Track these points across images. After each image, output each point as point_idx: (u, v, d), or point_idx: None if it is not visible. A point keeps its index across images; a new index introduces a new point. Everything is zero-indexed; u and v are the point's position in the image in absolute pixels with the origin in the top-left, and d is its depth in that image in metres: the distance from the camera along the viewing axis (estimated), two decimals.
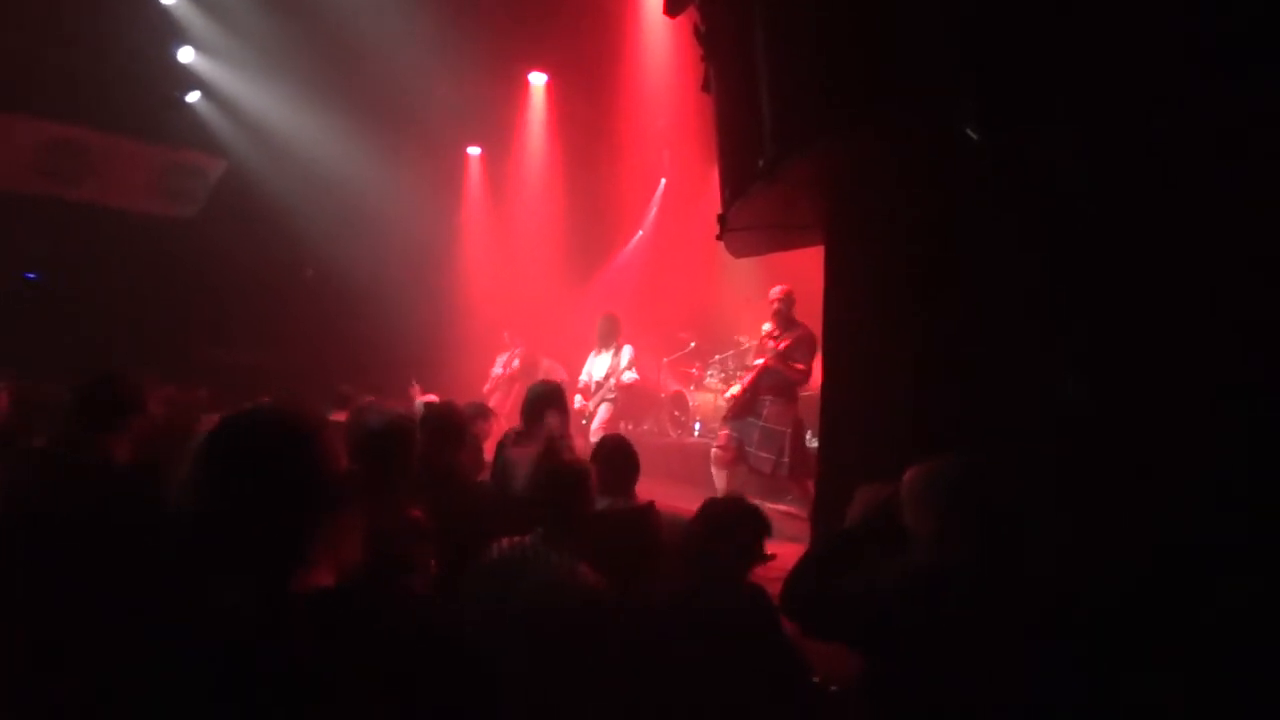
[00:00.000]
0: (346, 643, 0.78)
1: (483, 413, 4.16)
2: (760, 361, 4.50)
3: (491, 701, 0.87)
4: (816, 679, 1.92)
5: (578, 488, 1.95)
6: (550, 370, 6.99)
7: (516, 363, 7.43)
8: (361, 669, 0.77)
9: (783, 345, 4.39)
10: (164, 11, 6.97)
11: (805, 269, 4.16)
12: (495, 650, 1.66)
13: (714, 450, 4.62)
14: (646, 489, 2.72)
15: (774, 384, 4.45)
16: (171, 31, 7.13)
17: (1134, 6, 1.73)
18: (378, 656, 0.78)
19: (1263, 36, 1.53)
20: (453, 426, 2.68)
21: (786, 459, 4.33)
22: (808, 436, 4.81)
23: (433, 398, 4.03)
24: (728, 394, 4.89)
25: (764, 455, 4.38)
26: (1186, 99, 1.66)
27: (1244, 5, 1.58)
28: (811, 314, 3.71)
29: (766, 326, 4.67)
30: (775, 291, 4.58)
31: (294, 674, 0.75)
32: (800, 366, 4.37)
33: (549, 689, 1.64)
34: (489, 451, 3.32)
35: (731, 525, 1.85)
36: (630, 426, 7.12)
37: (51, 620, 1.46)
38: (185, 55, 7.43)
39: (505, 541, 1.89)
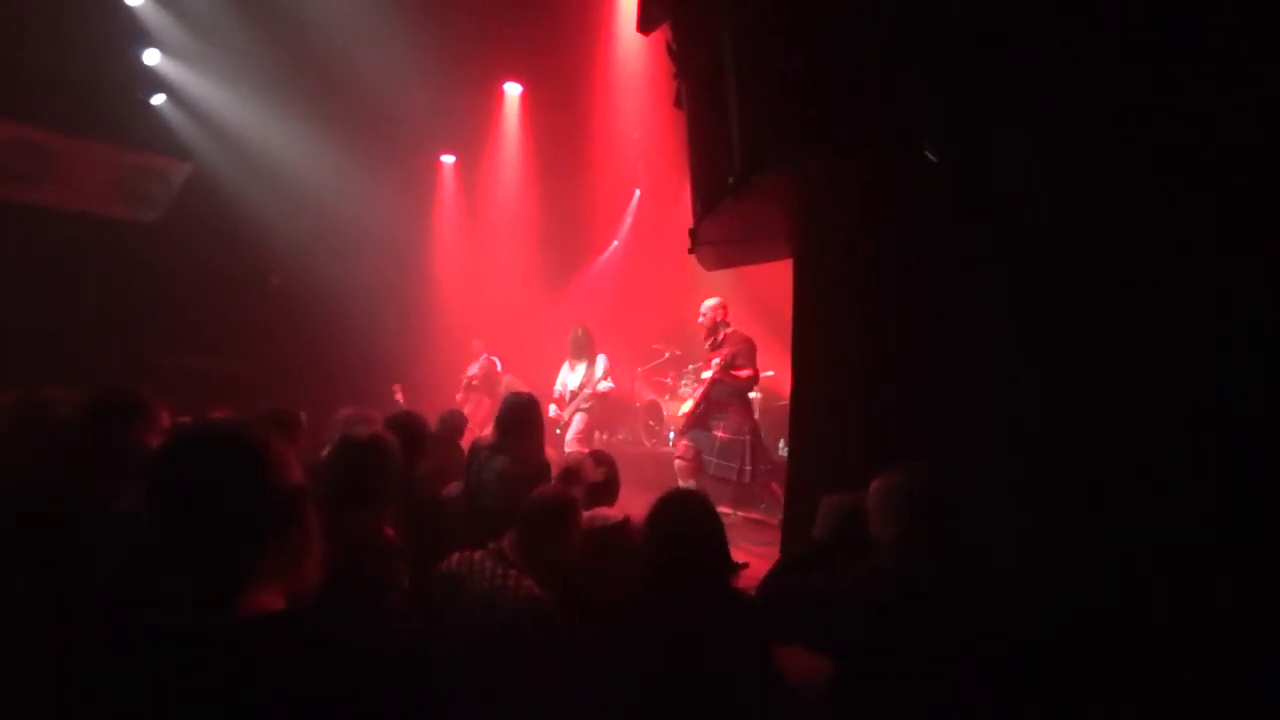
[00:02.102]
0: (282, 672, 0.76)
1: (461, 424, 4.15)
2: (708, 374, 4.56)
3: None
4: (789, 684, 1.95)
5: (559, 528, 1.94)
6: (510, 385, 6.96)
7: (477, 367, 7.37)
8: (294, 701, 0.75)
9: (723, 355, 4.44)
10: (129, 12, 6.82)
11: (775, 281, 4.24)
12: (446, 667, 1.66)
13: (677, 461, 4.67)
14: (620, 498, 2.75)
15: (725, 394, 4.51)
16: (137, 33, 6.97)
17: (1085, 22, 1.80)
18: (313, 688, 0.76)
19: (1221, 43, 1.60)
20: (415, 436, 2.67)
21: (749, 466, 4.38)
22: (780, 445, 4.88)
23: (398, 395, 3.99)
24: (680, 411, 4.94)
25: (728, 464, 4.43)
26: (1144, 109, 1.72)
27: (1200, 13, 1.65)
28: (781, 325, 3.77)
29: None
30: (705, 306, 4.67)
31: (223, 704, 0.73)
32: (746, 373, 4.43)
33: (499, 702, 1.63)
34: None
35: (690, 528, 1.82)
36: (605, 436, 7.13)
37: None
38: (151, 57, 7.27)
39: (456, 556, 1.88)
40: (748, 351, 4.45)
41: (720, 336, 4.56)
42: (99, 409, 1.81)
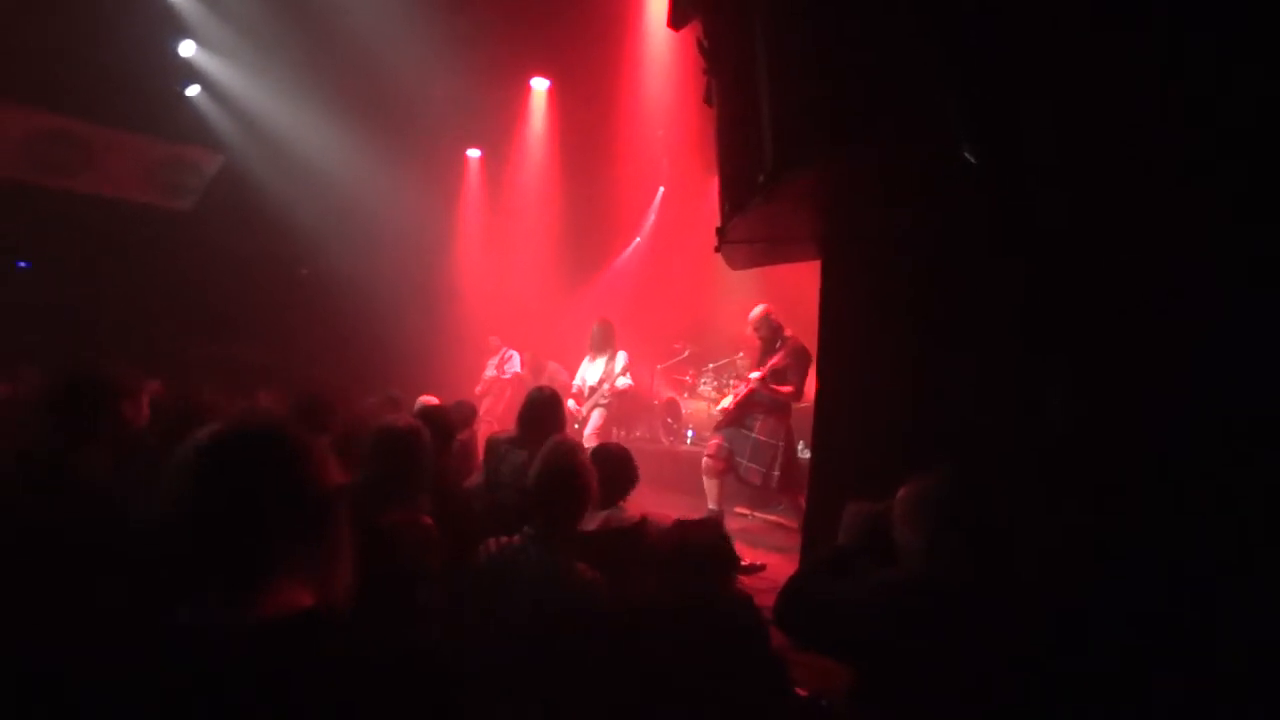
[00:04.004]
0: (308, 671, 0.75)
1: (470, 415, 4.17)
2: (755, 375, 4.51)
3: None
4: (804, 693, 1.93)
5: (577, 490, 1.90)
6: (555, 374, 6.99)
7: (512, 366, 7.40)
8: (311, 702, 0.74)
9: (772, 365, 4.36)
10: (165, 5, 6.96)
11: (802, 282, 4.19)
12: (489, 656, 1.65)
13: (705, 459, 4.63)
14: (637, 496, 2.73)
15: (766, 398, 4.45)
16: (172, 25, 7.11)
17: (1119, 31, 1.77)
18: (339, 687, 0.75)
19: (1241, 55, 1.57)
20: (444, 429, 2.69)
21: (777, 472, 4.33)
22: (800, 447, 4.83)
23: (433, 399, 4.02)
24: (720, 405, 4.90)
25: (754, 467, 4.39)
26: (1170, 118, 1.70)
27: (1222, 28, 1.62)
28: (808, 327, 3.74)
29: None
30: (754, 315, 4.54)
31: (238, 703, 0.72)
32: (788, 389, 4.32)
33: (546, 690, 1.63)
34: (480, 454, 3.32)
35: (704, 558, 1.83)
36: (623, 433, 7.13)
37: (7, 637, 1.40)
38: (185, 49, 7.42)
39: (493, 543, 1.86)
40: (800, 365, 4.30)
41: (779, 343, 4.43)
42: (77, 387, 1.80)
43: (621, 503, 2.54)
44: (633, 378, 5.85)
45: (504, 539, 1.86)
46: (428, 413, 2.82)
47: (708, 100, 3.63)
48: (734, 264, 4.17)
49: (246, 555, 0.81)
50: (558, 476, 1.88)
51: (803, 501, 4.10)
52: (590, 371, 5.79)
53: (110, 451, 1.81)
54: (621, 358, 5.71)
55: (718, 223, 3.40)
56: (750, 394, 4.48)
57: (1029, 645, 1.49)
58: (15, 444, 1.94)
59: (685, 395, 7.30)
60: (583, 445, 2.04)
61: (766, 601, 1.80)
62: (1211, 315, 1.65)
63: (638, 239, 8.82)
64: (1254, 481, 1.53)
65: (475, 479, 3.12)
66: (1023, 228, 2.09)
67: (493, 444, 3.09)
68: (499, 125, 8.37)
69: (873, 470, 2.25)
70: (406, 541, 1.73)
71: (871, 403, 2.77)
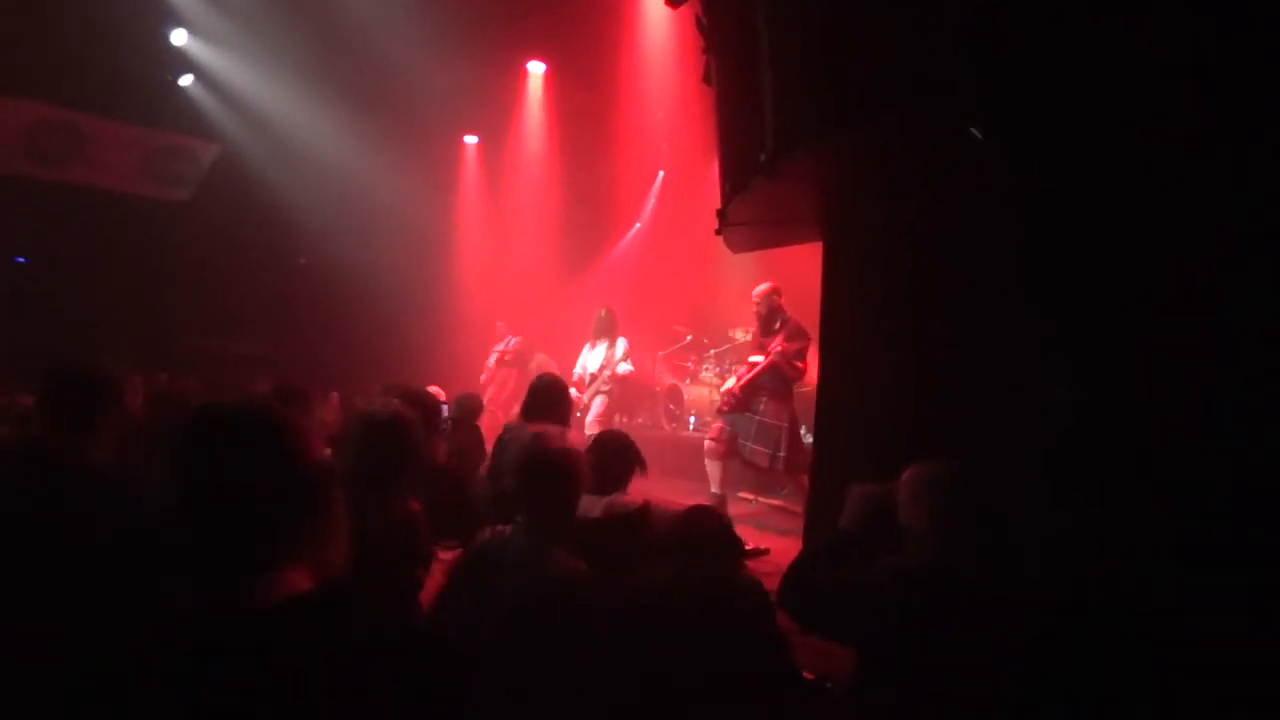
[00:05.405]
0: (307, 656, 0.75)
1: (477, 407, 4.16)
2: (759, 359, 4.49)
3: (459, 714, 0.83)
4: (810, 675, 1.93)
5: (562, 479, 1.88)
6: (542, 365, 6.97)
7: (512, 343, 7.39)
8: (320, 685, 0.74)
9: (781, 344, 4.36)
10: None
11: (803, 264, 4.15)
12: (475, 644, 1.66)
13: (707, 442, 4.63)
14: (639, 483, 2.72)
15: (771, 380, 4.45)
16: (165, 13, 7.03)
17: (1141, 15, 1.73)
18: (338, 672, 0.75)
19: (1260, 49, 1.54)
20: (430, 411, 2.66)
21: (783, 453, 4.33)
22: (803, 431, 4.82)
23: (436, 390, 4.02)
24: (723, 388, 4.89)
25: (760, 449, 4.39)
26: (1188, 110, 1.67)
27: (1240, 18, 1.58)
28: (809, 310, 3.71)
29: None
30: (759, 291, 4.54)
31: (247, 689, 0.72)
32: (802, 365, 4.36)
33: (530, 680, 1.63)
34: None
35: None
36: (624, 419, 7.13)
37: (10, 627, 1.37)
38: (179, 38, 7.33)
39: (489, 531, 1.87)
40: (804, 346, 4.34)
41: (778, 324, 4.45)
42: (76, 380, 1.79)
43: (624, 489, 2.53)
44: (634, 364, 5.83)
45: (499, 526, 1.86)
46: (411, 394, 2.78)
47: (706, 80, 3.57)
48: (734, 247, 4.13)
49: (243, 538, 0.81)
50: (536, 471, 1.88)
51: (807, 483, 4.10)
52: (591, 359, 5.78)
53: (112, 442, 1.80)
54: (622, 344, 5.69)
55: (718, 206, 3.36)
56: (755, 376, 4.47)
57: (1031, 636, 1.48)
58: (22, 435, 1.93)
59: (687, 381, 7.28)
60: (571, 434, 2.02)
61: (770, 586, 1.80)
62: (1216, 310, 1.65)
63: (638, 225, 8.76)
64: (1259, 474, 1.52)
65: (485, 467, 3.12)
66: (1036, 217, 2.06)
67: (502, 435, 3.09)
68: (496, 111, 8.29)
69: (876, 458, 2.24)
70: (396, 529, 1.71)
71: (874, 393, 2.76)
